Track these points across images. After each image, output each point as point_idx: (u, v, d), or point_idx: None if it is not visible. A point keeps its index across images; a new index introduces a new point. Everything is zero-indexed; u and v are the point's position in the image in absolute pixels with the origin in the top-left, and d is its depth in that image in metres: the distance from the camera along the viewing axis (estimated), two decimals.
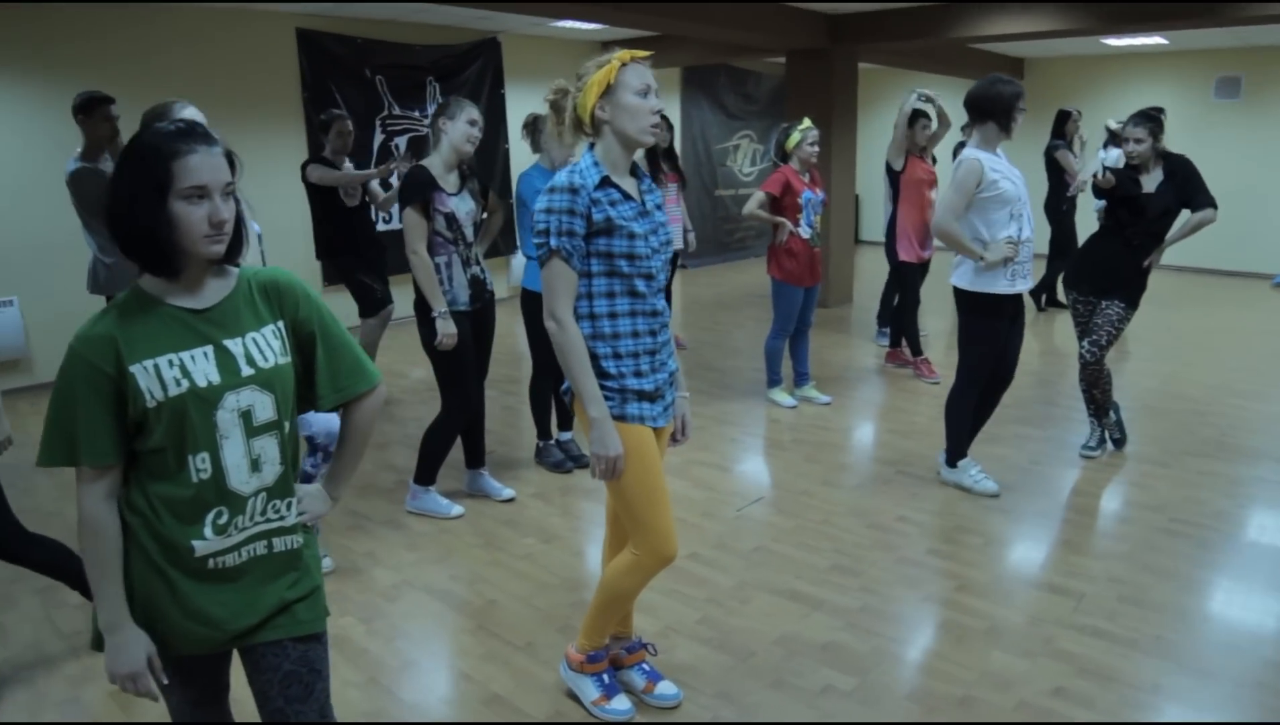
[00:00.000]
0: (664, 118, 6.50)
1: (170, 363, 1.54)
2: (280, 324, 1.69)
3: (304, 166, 5.52)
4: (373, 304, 5.74)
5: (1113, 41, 9.58)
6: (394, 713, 2.70)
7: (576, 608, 3.23)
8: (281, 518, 1.69)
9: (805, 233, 5.18)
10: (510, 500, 4.18)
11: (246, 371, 1.61)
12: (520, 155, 8.74)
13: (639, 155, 2.46)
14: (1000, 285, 3.84)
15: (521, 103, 9.08)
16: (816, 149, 5.18)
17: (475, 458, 4.26)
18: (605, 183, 2.24)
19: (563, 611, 3.22)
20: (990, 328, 3.94)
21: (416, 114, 8.30)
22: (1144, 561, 3.49)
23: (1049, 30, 7.04)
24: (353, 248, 5.66)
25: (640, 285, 2.28)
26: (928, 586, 3.32)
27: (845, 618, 3.12)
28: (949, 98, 6.06)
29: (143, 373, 1.52)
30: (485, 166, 8.73)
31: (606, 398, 2.28)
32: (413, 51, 8.07)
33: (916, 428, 5.12)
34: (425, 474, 4.07)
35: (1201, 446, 4.73)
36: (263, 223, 6.50)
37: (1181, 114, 10.57)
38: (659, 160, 6.51)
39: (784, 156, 5.26)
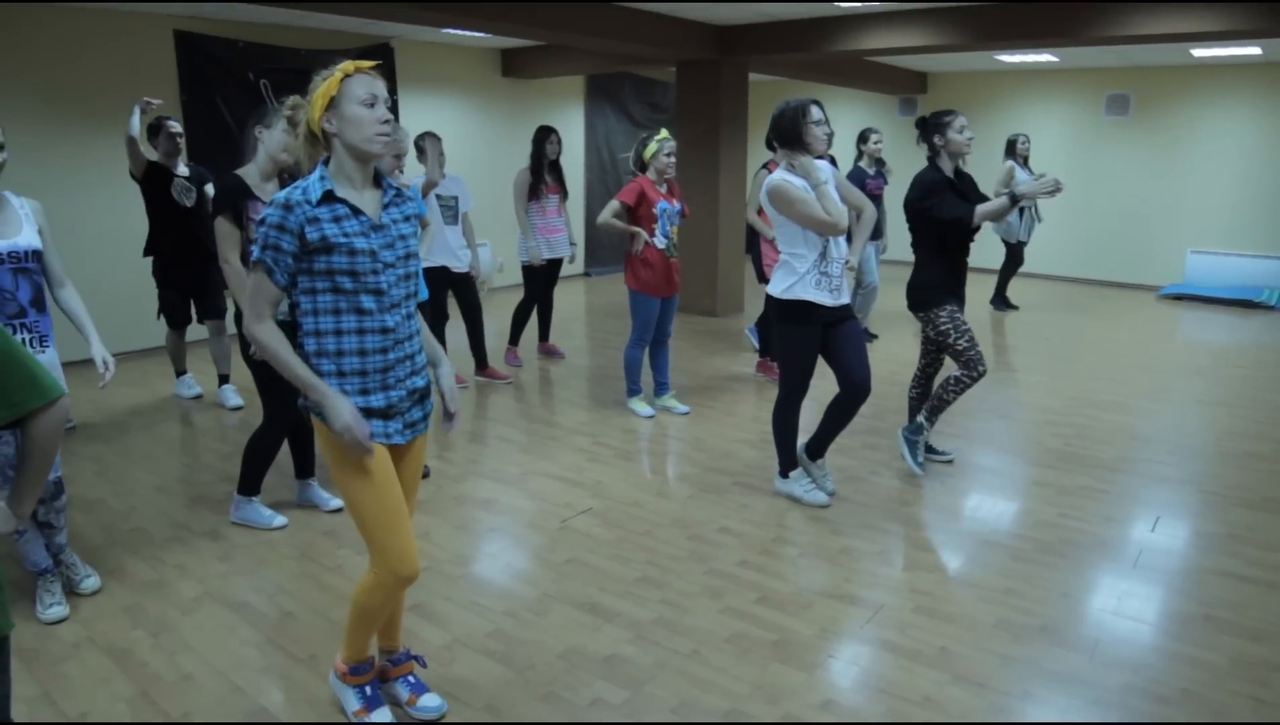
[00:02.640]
0: (551, 131, 6.51)
1: None
2: None
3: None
4: (172, 318, 5.81)
5: (1006, 58, 9.80)
6: None
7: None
8: None
9: (660, 243, 5.20)
10: (338, 511, 4.11)
11: None
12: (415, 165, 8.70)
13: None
14: (809, 293, 3.87)
15: (416, 110, 9.00)
16: (672, 160, 5.20)
17: (304, 467, 4.20)
18: (330, 198, 2.22)
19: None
20: (802, 336, 3.96)
21: None
22: (953, 572, 3.54)
23: (927, 45, 7.20)
24: (178, 255, 5.62)
25: (366, 301, 2.26)
26: (729, 598, 3.33)
27: (636, 630, 3.11)
28: (845, 109, 6.12)
29: None
30: None
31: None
32: (298, 55, 7.95)
33: (768, 438, 5.15)
34: (248, 484, 3.99)
35: (1043, 456, 4.83)
36: (132, 229, 6.35)
37: (1074, 129, 10.88)
38: (544, 171, 6.52)
39: (642, 166, 5.28)
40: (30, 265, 3.14)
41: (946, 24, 7.01)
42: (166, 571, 3.61)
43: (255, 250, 2.22)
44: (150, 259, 5.70)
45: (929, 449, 4.70)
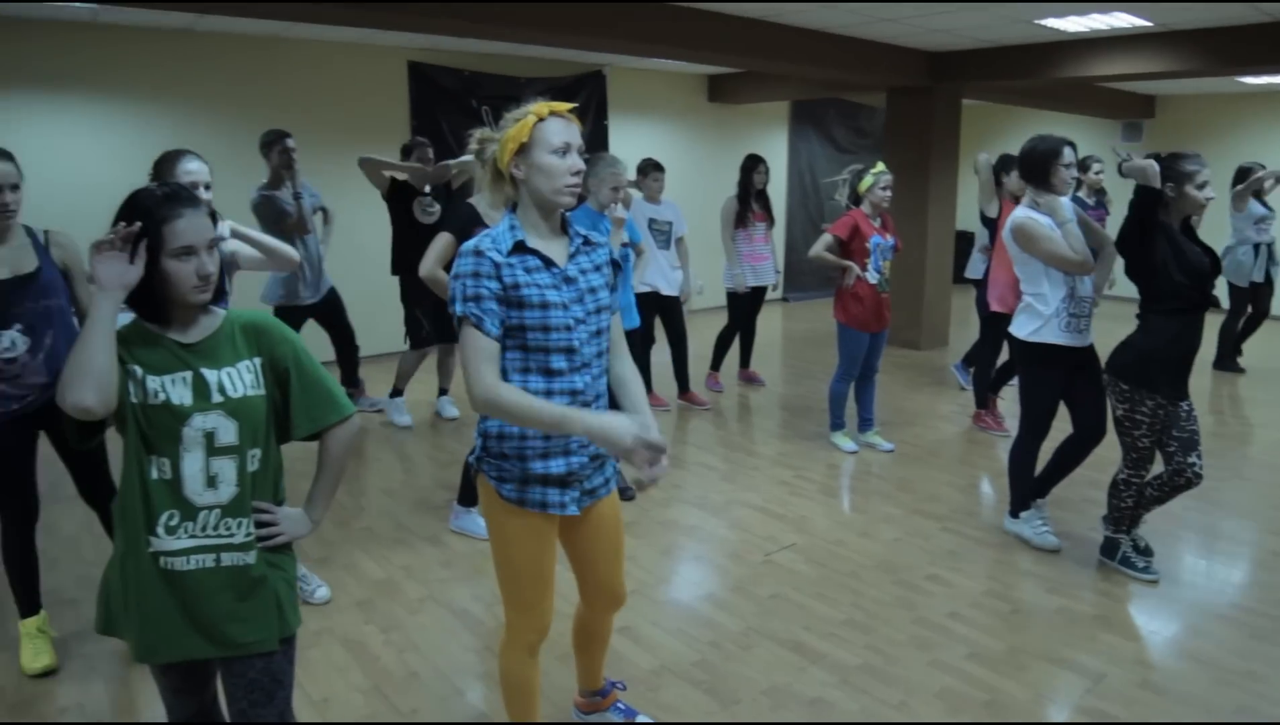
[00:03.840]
0: (760, 160, 6.57)
1: (153, 379, 1.78)
2: (257, 360, 1.89)
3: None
4: (417, 337, 5.88)
5: (1251, 80, 9.06)
6: (387, 720, 2.84)
7: None
8: (231, 535, 1.84)
9: (873, 278, 5.13)
10: None
11: (216, 398, 1.81)
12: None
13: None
14: (1056, 336, 3.79)
15: (625, 135, 9.28)
16: (889, 194, 5.13)
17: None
18: (520, 248, 2.07)
19: (567, 639, 3.30)
20: (1046, 380, 3.89)
21: None
22: (1184, 646, 3.30)
23: (1161, 71, 6.76)
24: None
25: (556, 361, 2.10)
26: (938, 651, 3.24)
27: (842, 674, 3.09)
28: (1061, 134, 5.78)
29: (135, 372, 1.76)
30: None
31: (505, 480, 2.17)
32: (518, 84, 8.38)
33: (977, 483, 4.98)
34: (468, 496, 4.24)
35: None
36: (363, 245, 6.81)
37: None
38: (751, 200, 6.59)
39: (856, 199, 5.24)
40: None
41: (1184, 48, 6.56)
42: (394, 572, 3.89)
43: (456, 307, 2.05)
44: (397, 278, 5.83)
45: (1142, 551, 3.93)
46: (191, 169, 2.86)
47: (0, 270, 2.85)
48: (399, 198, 5.69)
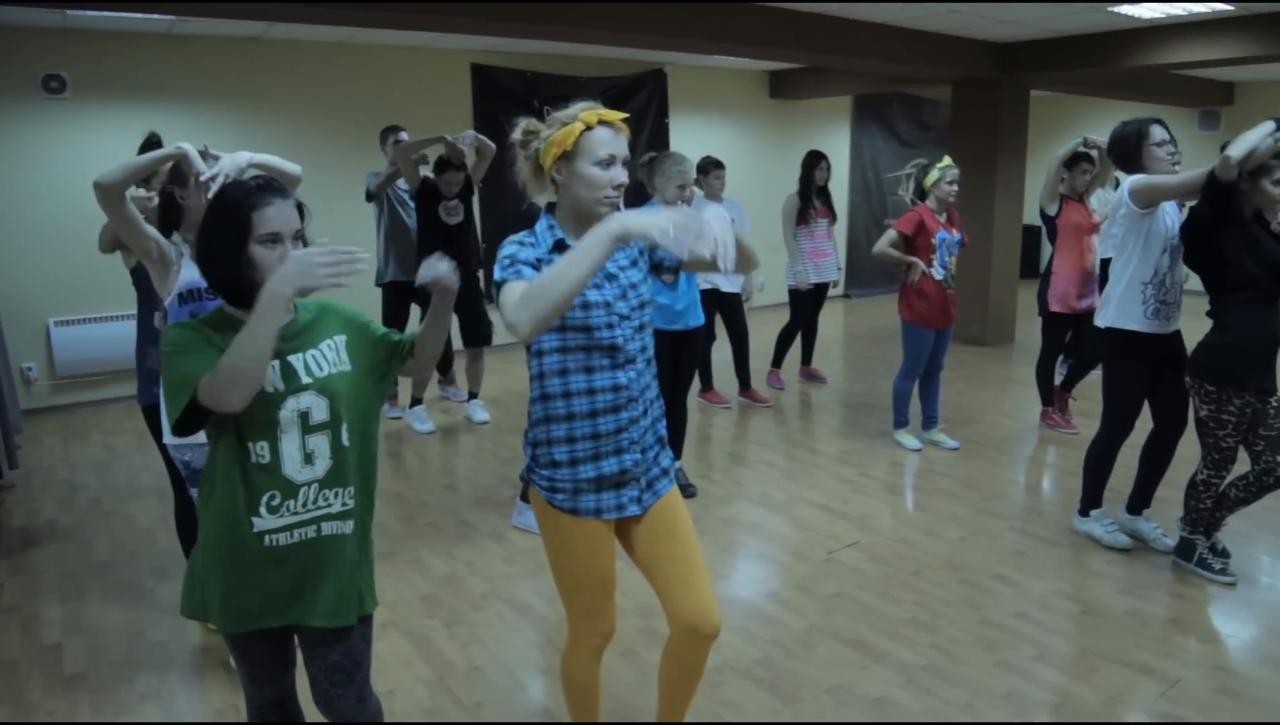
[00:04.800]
0: (822, 157, 6.52)
1: None
2: (339, 338, 1.99)
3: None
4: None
5: None
6: (450, 713, 2.89)
7: (643, 633, 3.33)
8: (329, 505, 1.93)
9: (938, 274, 5.06)
10: None
11: (305, 380, 1.89)
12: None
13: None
14: (1136, 322, 3.68)
15: (686, 132, 9.28)
16: (955, 188, 5.04)
17: None
18: (561, 248, 2.03)
19: (628, 636, 3.32)
20: (1125, 371, 3.79)
21: None
22: (1264, 652, 3.19)
23: (1243, 56, 6.53)
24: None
25: (598, 359, 2.07)
26: (1004, 651, 3.19)
27: (906, 674, 3.05)
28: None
29: None
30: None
31: (557, 491, 2.13)
32: (579, 83, 8.42)
33: (1045, 482, 4.88)
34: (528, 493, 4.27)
35: None
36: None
37: None
38: (812, 196, 6.54)
39: (921, 194, 5.16)
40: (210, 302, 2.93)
41: (1267, 31, 6.31)
42: (457, 567, 3.95)
43: (499, 272, 2.01)
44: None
45: (1219, 553, 3.80)
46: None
47: None
48: (427, 197, 5.61)
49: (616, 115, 2.04)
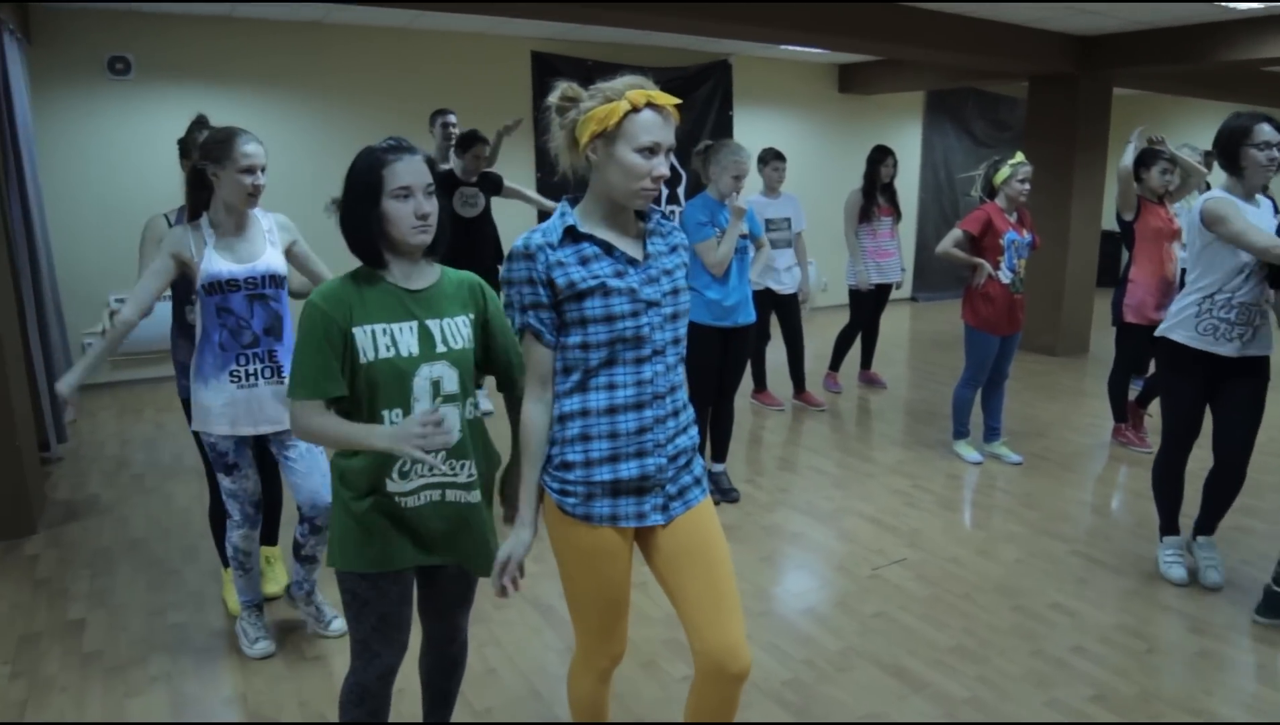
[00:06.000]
0: (888, 152, 6.25)
1: (384, 331, 1.93)
2: (472, 316, 2.06)
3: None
4: None
5: None
6: (458, 717, 2.75)
7: (667, 645, 3.17)
8: (455, 474, 2.02)
9: (1005, 277, 4.78)
10: None
11: (441, 348, 1.98)
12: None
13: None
14: (1183, 334, 3.42)
15: (751, 125, 9.06)
16: (1026, 186, 4.76)
17: None
18: (574, 236, 1.88)
19: (652, 647, 3.16)
20: (1172, 383, 3.53)
21: None
22: None
23: None
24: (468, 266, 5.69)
25: (621, 351, 1.88)
26: (1058, 689, 2.94)
27: (948, 707, 2.83)
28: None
29: (362, 334, 1.91)
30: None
31: (568, 493, 1.92)
32: (644, 74, 8.23)
33: (1114, 503, 4.58)
34: None
35: None
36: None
37: None
38: (876, 193, 6.29)
39: (991, 192, 4.90)
40: (267, 291, 2.92)
41: None
42: None
43: (515, 317, 1.91)
44: None
45: None
46: (249, 151, 2.82)
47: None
48: (443, 188, 5.50)
49: (668, 99, 1.84)
